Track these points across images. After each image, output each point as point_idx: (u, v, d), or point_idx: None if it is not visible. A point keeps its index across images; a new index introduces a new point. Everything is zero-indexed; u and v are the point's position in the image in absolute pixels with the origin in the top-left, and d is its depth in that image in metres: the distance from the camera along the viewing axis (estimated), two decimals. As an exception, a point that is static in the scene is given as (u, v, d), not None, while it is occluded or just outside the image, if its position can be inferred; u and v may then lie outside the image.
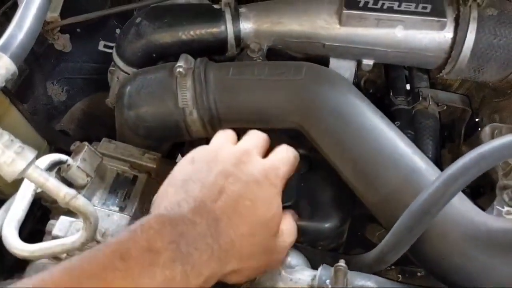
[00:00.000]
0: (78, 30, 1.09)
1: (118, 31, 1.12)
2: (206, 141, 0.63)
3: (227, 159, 0.52)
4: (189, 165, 0.53)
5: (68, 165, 0.69)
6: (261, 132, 0.60)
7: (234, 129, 0.61)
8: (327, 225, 0.69)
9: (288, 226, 0.56)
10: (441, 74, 0.75)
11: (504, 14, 0.70)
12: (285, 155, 0.58)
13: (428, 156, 0.73)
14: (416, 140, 0.76)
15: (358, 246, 0.78)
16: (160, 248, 0.40)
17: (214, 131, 0.67)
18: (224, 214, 0.46)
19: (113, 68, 0.86)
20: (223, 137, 0.58)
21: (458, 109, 0.81)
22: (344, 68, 0.79)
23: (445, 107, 0.78)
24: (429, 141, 0.75)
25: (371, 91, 0.90)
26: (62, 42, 1.01)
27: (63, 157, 0.70)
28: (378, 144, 0.61)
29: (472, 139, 0.85)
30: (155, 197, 0.51)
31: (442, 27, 0.71)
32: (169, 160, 0.80)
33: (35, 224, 0.82)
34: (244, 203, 0.48)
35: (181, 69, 0.68)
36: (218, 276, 0.46)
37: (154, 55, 0.79)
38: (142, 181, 0.75)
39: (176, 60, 0.73)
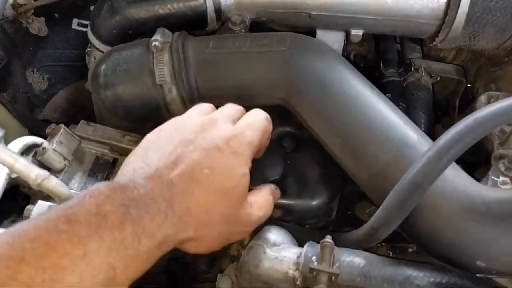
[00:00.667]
0: (56, 15, 1.05)
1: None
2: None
3: (191, 128, 0.50)
4: (154, 135, 0.52)
5: (44, 148, 0.66)
6: (237, 105, 0.57)
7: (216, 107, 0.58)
8: (314, 202, 0.66)
9: (259, 199, 0.54)
10: (434, 43, 0.71)
11: (500, -26, 0.65)
12: (254, 120, 0.55)
13: (420, 129, 0.71)
14: (408, 113, 0.72)
15: (348, 225, 0.75)
16: (108, 211, 0.39)
17: None
18: (180, 182, 0.45)
19: (90, 49, 0.82)
20: (196, 109, 0.56)
21: (453, 81, 0.77)
22: (332, 40, 0.74)
23: (438, 78, 0.74)
24: (422, 114, 0.71)
25: (361, 66, 0.86)
26: (37, 26, 0.97)
27: (38, 140, 0.67)
28: (368, 117, 0.58)
29: (467, 111, 0.81)
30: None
31: (435, -10, 0.66)
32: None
33: (19, 214, 0.80)
34: (201, 171, 0.46)
35: (157, 43, 0.64)
36: (173, 242, 0.44)
37: (130, 31, 0.75)
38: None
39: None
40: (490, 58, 0.75)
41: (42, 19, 0.99)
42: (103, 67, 0.70)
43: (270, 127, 0.56)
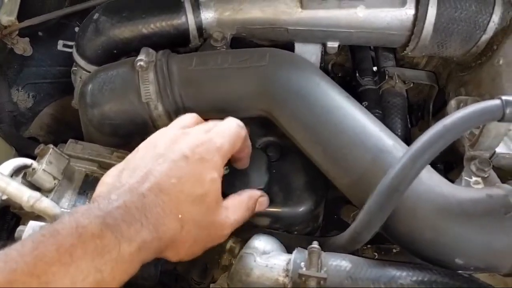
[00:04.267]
0: (40, 33, 1.06)
1: (80, 31, 1.09)
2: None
3: (163, 142, 0.53)
4: (132, 155, 0.55)
5: (33, 169, 0.67)
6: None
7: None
8: (301, 209, 0.68)
9: (235, 202, 0.56)
10: (405, 52, 0.75)
11: (463, -14, 0.70)
12: (225, 127, 0.57)
13: (397, 134, 0.74)
14: (385, 119, 0.76)
15: (334, 229, 0.78)
16: (86, 224, 0.42)
17: None
18: (151, 193, 0.47)
19: (76, 68, 0.84)
20: (177, 122, 0.59)
21: (426, 87, 0.81)
22: (309, 52, 0.78)
23: (411, 85, 0.78)
24: (398, 119, 0.75)
25: (339, 75, 0.90)
26: (22, 46, 0.98)
27: (27, 161, 0.68)
28: (345, 126, 0.61)
29: (440, 115, 0.85)
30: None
31: (403, 3, 0.71)
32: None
33: (10, 234, 0.80)
34: (169, 181, 0.48)
35: (142, 63, 0.66)
36: (153, 249, 0.46)
37: (115, 51, 0.77)
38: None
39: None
40: (459, 64, 0.79)
41: (27, 39, 1.01)
42: (89, 86, 0.72)
43: (243, 132, 0.57)
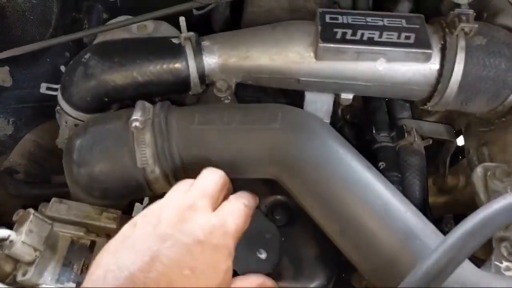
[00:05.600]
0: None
1: (67, 54, 1.00)
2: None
3: (168, 219, 0.46)
4: (129, 230, 0.47)
5: (11, 241, 0.59)
6: (218, 172, 0.54)
7: None
8: (313, 285, 0.62)
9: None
10: (425, 107, 0.69)
11: (492, 42, 0.64)
12: (237, 206, 0.51)
13: (415, 197, 0.69)
14: (402, 180, 0.70)
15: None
16: None
17: None
18: (158, 286, 0.41)
19: (60, 108, 0.75)
20: (175, 192, 0.52)
21: (444, 141, 0.76)
22: (321, 102, 0.71)
23: (430, 142, 0.72)
24: (416, 181, 0.69)
25: (347, 117, 0.84)
26: (1, 77, 0.88)
27: (4, 233, 0.60)
28: (369, 204, 0.54)
29: (457, 168, 0.80)
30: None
31: (427, 59, 0.64)
32: (131, 217, 0.70)
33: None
34: (182, 272, 0.42)
35: (137, 123, 0.59)
36: None
37: (106, 99, 0.69)
38: (101, 246, 0.65)
39: (133, 103, 0.64)
40: (480, 118, 0.74)
41: (6, 69, 0.91)
42: (77, 142, 0.63)
43: (254, 206, 0.55)
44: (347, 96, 0.70)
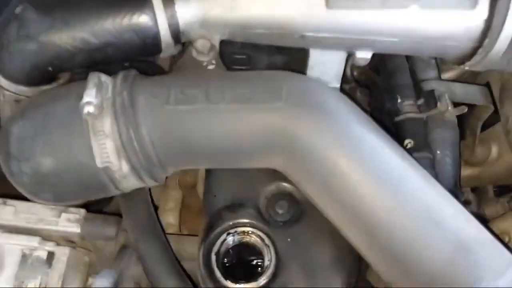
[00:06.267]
0: None
1: None
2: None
3: None
4: None
5: None
6: None
7: None
8: (328, 293, 0.51)
9: None
10: (463, 66, 0.55)
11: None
12: None
13: (447, 180, 0.57)
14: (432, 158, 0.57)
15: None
16: None
17: (158, 180, 0.49)
18: None
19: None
20: None
21: (478, 107, 0.62)
22: (330, 62, 0.56)
23: (465, 110, 0.58)
24: (448, 160, 0.56)
25: (359, 78, 0.69)
26: None
27: None
28: (406, 207, 0.42)
29: (488, 137, 0.67)
30: None
31: (473, 5, 0.49)
32: (99, 215, 0.57)
33: None
34: None
35: (91, 109, 0.43)
36: None
37: (51, 68, 0.52)
38: (61, 258, 0.52)
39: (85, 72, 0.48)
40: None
41: None
42: (14, 130, 0.48)
43: None
44: (365, 55, 0.54)
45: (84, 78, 0.49)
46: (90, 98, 0.43)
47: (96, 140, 0.44)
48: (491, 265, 0.40)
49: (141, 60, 0.62)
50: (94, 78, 0.45)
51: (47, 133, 0.46)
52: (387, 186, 0.43)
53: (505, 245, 0.43)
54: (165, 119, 0.46)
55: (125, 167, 0.46)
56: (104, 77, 0.46)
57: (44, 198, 0.50)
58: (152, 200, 0.70)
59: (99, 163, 0.44)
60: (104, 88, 0.46)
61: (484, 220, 0.59)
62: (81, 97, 0.44)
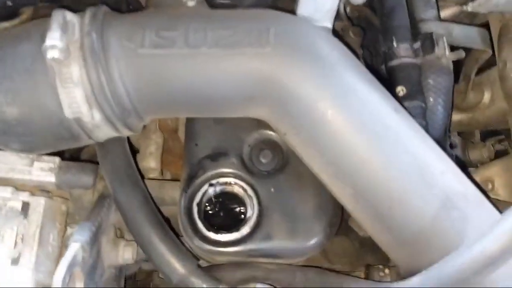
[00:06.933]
0: None
1: None
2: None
3: None
4: None
5: None
6: None
7: None
8: (310, 243, 0.52)
9: None
10: (466, 7, 0.51)
11: None
12: None
13: (437, 126, 0.55)
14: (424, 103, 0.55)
15: (341, 234, 0.63)
16: None
17: (134, 129, 0.46)
18: None
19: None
20: None
21: (476, 51, 0.59)
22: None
23: (463, 56, 0.55)
24: (440, 108, 0.54)
25: (353, 16, 0.64)
26: None
27: None
28: (395, 162, 0.40)
29: (482, 82, 0.65)
30: None
31: None
32: (75, 163, 0.54)
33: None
34: None
35: (55, 54, 0.38)
36: None
37: (10, 2, 0.46)
38: (37, 208, 0.50)
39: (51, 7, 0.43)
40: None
41: None
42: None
43: None
44: (360, -7, 0.50)
45: (50, 13, 0.43)
46: (54, 41, 0.38)
47: (63, 88, 0.40)
48: (475, 223, 0.39)
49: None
50: (58, 17, 0.40)
51: (9, 80, 0.41)
52: (377, 141, 0.41)
53: (487, 196, 0.43)
54: (139, 64, 0.42)
55: (97, 117, 0.43)
56: (70, 16, 0.41)
57: (12, 148, 0.47)
58: (131, 145, 0.68)
59: (68, 113, 0.41)
60: (70, 28, 0.40)
61: (466, 170, 0.59)
62: (44, 39, 0.39)
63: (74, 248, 0.46)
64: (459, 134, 0.78)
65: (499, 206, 0.42)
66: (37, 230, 0.49)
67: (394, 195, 0.40)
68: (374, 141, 0.41)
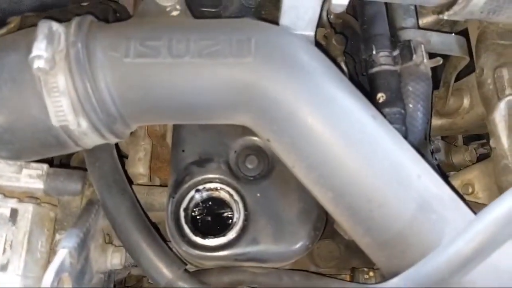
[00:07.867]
0: None
1: None
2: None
3: None
4: None
5: None
6: None
7: None
8: (295, 247, 0.53)
9: None
10: (442, 16, 0.52)
11: None
12: None
13: (417, 132, 0.57)
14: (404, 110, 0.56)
15: (326, 237, 0.64)
16: None
17: (120, 136, 0.47)
18: None
19: None
20: None
21: (454, 57, 0.61)
22: (304, 7, 0.52)
23: (440, 62, 0.57)
24: (420, 114, 0.56)
25: (332, 23, 0.65)
26: None
27: None
28: (373, 166, 0.42)
29: (461, 88, 0.67)
30: None
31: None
32: (63, 170, 0.54)
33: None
34: None
35: (41, 63, 0.39)
36: None
37: (-3, 13, 0.47)
38: (25, 214, 0.51)
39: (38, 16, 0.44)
40: (503, 28, 0.58)
41: None
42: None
43: None
44: (341, 1, 0.51)
45: (37, 23, 0.44)
46: (40, 51, 0.39)
47: (50, 97, 0.41)
48: (451, 224, 0.41)
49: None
50: (44, 27, 0.41)
51: (-4, 88, 0.42)
52: (355, 146, 0.42)
53: (464, 200, 0.44)
54: (125, 73, 0.43)
55: (83, 125, 0.44)
56: (56, 26, 0.42)
57: (0, 155, 0.47)
58: (120, 151, 0.69)
59: (54, 122, 0.42)
60: (56, 38, 0.41)
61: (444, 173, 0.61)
62: (30, 49, 0.40)
63: (62, 254, 0.46)
64: (443, 138, 0.80)
65: (479, 209, 0.44)
66: (26, 237, 0.50)
67: (372, 198, 0.42)
68: (352, 147, 0.42)
